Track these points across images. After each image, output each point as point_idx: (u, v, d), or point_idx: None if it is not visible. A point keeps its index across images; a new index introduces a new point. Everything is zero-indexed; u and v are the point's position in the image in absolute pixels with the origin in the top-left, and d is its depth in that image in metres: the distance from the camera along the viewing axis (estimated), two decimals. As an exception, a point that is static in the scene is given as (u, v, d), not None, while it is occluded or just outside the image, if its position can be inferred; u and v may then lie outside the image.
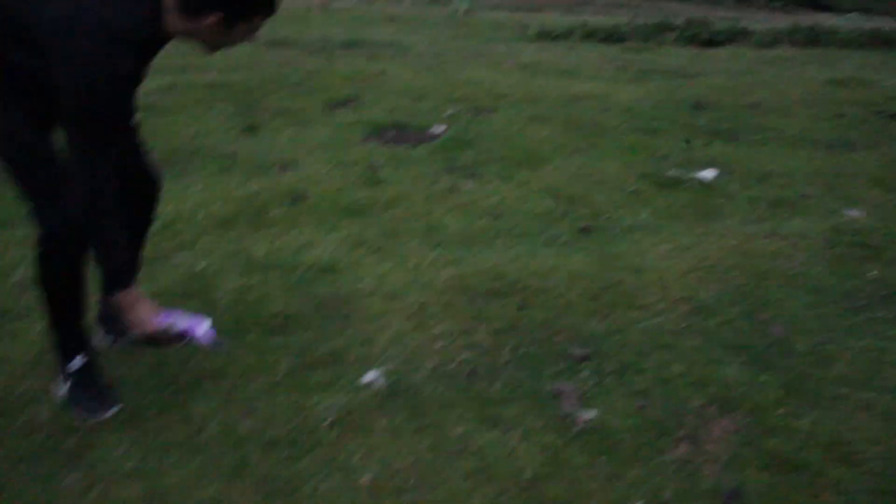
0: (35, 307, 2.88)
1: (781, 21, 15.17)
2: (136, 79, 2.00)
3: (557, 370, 2.56)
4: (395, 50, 8.58)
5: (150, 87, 6.13)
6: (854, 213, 4.10)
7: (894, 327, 2.87)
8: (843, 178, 4.71)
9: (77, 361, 2.35)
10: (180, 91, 6.22)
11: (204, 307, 2.89)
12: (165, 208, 3.83)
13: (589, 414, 2.30)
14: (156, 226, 3.60)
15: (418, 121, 5.53)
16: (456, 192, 4.18)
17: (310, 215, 3.81)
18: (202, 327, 2.26)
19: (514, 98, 6.35)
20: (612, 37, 12.93)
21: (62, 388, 2.35)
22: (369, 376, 2.45)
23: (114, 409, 2.30)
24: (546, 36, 12.12)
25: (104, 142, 1.99)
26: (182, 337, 2.27)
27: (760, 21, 15.55)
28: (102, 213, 2.04)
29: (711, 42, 12.60)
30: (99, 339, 2.65)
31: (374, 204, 3.98)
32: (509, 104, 6.14)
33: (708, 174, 4.68)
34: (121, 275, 2.16)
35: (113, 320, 2.66)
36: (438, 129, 5.36)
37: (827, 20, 14.94)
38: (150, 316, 2.21)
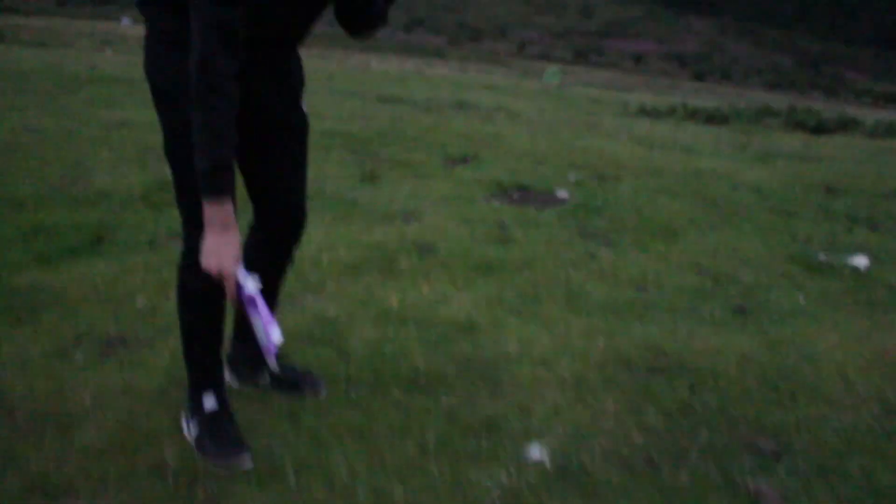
0: (159, 336, 2.69)
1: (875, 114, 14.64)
2: None
3: (748, 465, 2.20)
4: (505, 114, 8.43)
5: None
6: None
7: None
8: None
9: (210, 400, 2.11)
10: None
11: (338, 357, 2.65)
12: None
13: (801, 524, 1.93)
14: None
15: (541, 183, 5.29)
16: (594, 259, 3.89)
17: (441, 269, 3.57)
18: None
19: (636, 168, 6.08)
20: (714, 118, 12.65)
21: (191, 428, 2.11)
22: (534, 452, 2.13)
23: (249, 465, 2.02)
24: (648, 113, 11.89)
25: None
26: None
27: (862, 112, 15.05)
28: (212, 87, 1.67)
29: (819, 129, 12.19)
30: (227, 378, 2.43)
31: (507, 263, 3.72)
32: (632, 174, 5.87)
33: (861, 261, 4.29)
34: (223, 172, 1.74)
35: (242, 360, 2.45)
36: (562, 193, 5.11)
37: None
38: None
